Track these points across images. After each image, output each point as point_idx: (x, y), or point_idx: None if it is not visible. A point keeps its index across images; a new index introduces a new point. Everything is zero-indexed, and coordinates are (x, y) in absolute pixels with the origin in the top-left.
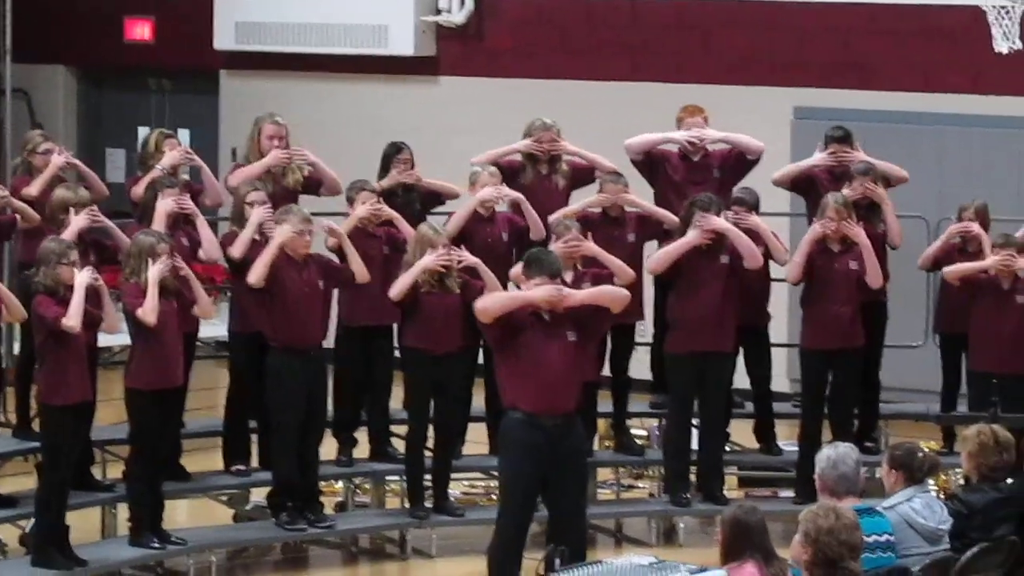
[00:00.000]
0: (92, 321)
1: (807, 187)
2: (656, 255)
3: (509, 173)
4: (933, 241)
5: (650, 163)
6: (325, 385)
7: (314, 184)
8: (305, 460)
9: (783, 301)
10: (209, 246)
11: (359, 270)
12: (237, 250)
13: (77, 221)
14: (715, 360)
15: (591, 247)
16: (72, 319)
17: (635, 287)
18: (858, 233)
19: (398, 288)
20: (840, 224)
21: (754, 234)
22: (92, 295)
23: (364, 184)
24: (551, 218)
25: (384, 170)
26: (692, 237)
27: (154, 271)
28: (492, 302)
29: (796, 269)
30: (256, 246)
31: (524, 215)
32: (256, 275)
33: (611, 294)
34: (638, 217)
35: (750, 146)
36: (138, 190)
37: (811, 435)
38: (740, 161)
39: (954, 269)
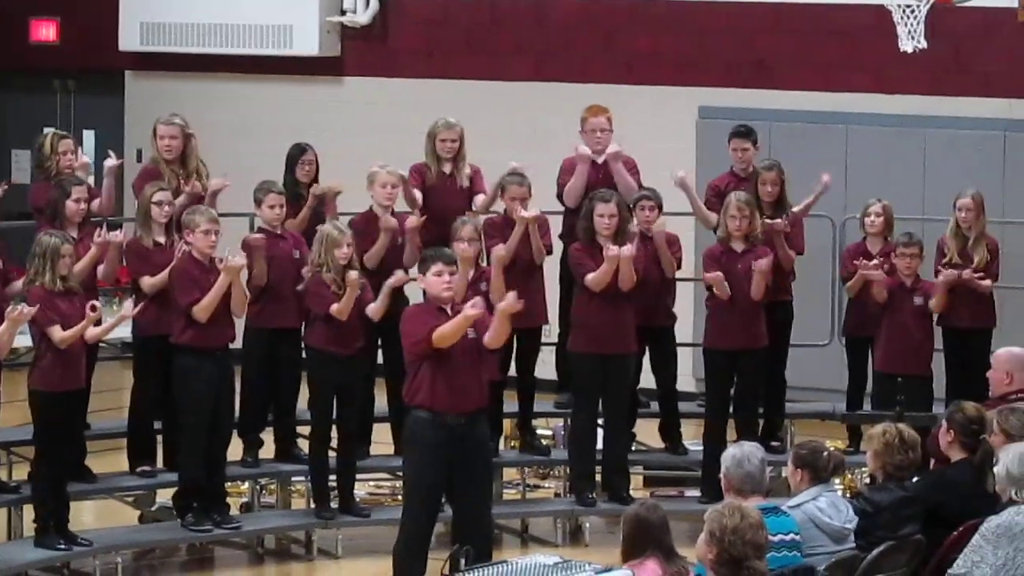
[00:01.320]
0: None
1: (719, 199)
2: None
3: (414, 174)
4: (837, 240)
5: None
6: (233, 386)
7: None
8: (212, 461)
9: (688, 301)
10: (108, 271)
11: (239, 303)
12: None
13: None
14: (619, 360)
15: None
16: None
17: (540, 291)
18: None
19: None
20: (743, 223)
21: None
22: None
23: (272, 186)
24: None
25: (289, 171)
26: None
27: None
28: (443, 333)
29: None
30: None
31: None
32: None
33: (499, 335)
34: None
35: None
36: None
37: (716, 434)
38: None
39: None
